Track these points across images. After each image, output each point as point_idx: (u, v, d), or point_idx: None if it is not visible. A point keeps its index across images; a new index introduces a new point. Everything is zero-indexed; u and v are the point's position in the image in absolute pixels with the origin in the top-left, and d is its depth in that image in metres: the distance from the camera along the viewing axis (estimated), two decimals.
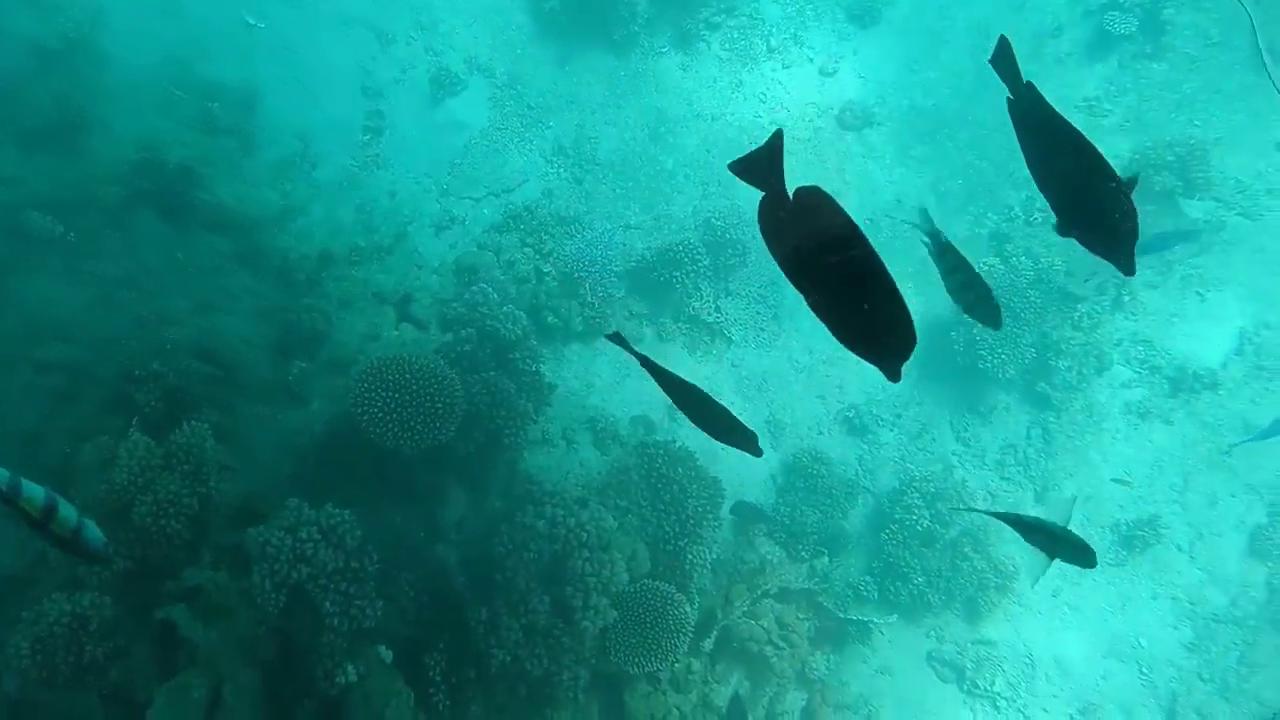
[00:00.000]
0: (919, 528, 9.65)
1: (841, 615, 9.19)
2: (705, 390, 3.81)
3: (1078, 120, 11.43)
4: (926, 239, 4.26)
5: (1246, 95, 11.53)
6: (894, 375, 2.44)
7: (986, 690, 9.71)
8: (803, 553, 9.28)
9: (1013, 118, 2.94)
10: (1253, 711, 9.38)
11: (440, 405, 6.63)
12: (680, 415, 10.51)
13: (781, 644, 8.36)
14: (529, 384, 7.58)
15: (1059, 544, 4.60)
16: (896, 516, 9.78)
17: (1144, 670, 9.75)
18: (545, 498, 6.46)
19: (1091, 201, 2.79)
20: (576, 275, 10.32)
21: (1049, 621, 9.96)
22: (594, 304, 10.34)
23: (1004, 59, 3.09)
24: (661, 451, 8.02)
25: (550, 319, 10.14)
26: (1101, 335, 10.78)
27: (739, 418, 3.70)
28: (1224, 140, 11.43)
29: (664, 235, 11.17)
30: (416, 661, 6.27)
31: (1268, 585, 9.84)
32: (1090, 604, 10.02)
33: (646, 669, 6.77)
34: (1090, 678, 9.78)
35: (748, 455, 3.66)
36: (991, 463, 10.73)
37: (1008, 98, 3.00)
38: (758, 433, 3.84)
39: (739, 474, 10.29)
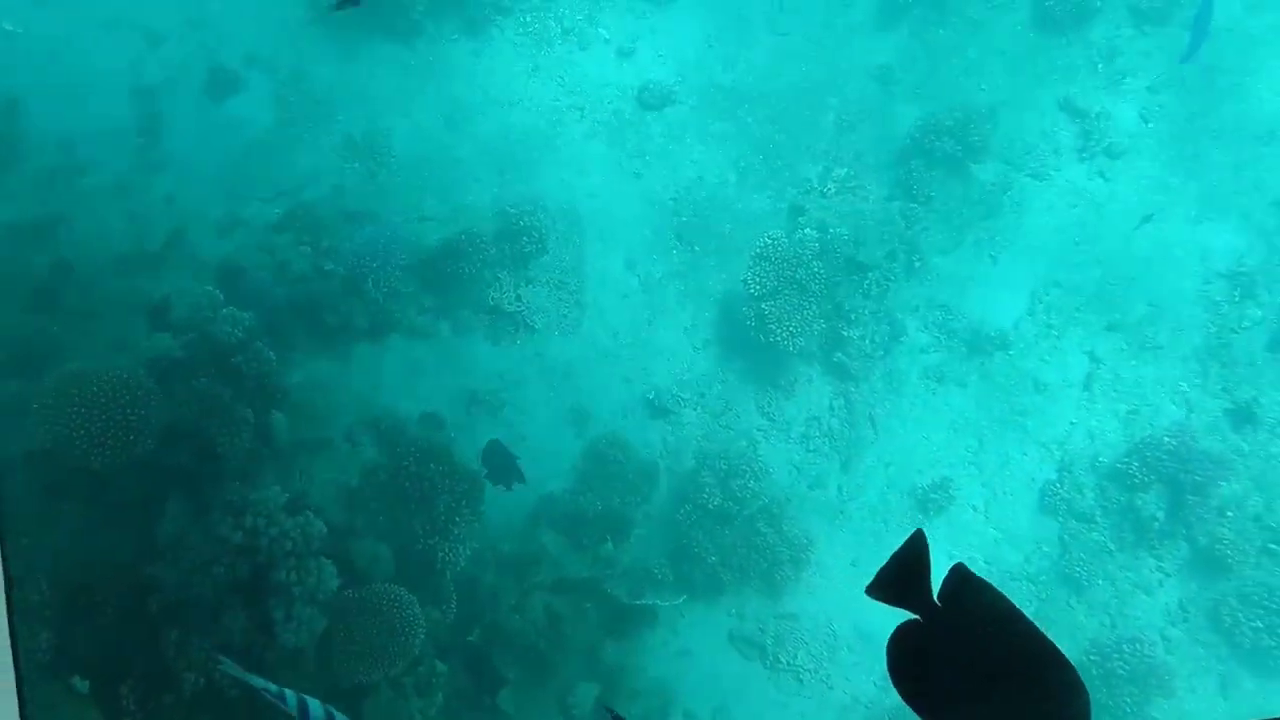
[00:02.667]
0: (711, 506, 9.59)
1: (630, 601, 9.08)
2: None
3: (871, 90, 11.51)
4: None
5: (1029, 57, 11.70)
6: None
7: (789, 665, 9.71)
8: (586, 540, 9.14)
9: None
10: None
11: (134, 417, 6.31)
12: (476, 410, 10.30)
13: (553, 635, 8.22)
14: (253, 388, 7.28)
15: None
16: (690, 496, 9.70)
17: None
18: (246, 506, 6.20)
19: None
20: (360, 272, 10.01)
21: (849, 592, 9.98)
22: (379, 300, 10.05)
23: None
24: (412, 449, 7.80)
25: (330, 318, 9.82)
26: (893, 302, 10.84)
27: None
28: (1010, 102, 11.58)
29: (461, 226, 10.90)
30: (113, 690, 5.97)
31: (1059, 541, 10.00)
32: None
33: (373, 676, 6.57)
34: None
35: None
36: (796, 436, 10.73)
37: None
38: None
39: (541, 466, 10.13)
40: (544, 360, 10.88)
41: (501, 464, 7.75)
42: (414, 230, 10.83)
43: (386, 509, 7.67)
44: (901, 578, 2.07)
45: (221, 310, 7.44)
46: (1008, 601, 2.02)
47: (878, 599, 2.08)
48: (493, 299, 10.80)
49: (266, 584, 6.18)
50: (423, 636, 6.68)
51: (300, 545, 6.21)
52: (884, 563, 2.08)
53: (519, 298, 10.89)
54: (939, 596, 2.04)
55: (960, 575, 2.06)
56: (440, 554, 7.48)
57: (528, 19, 11.99)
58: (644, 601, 9.02)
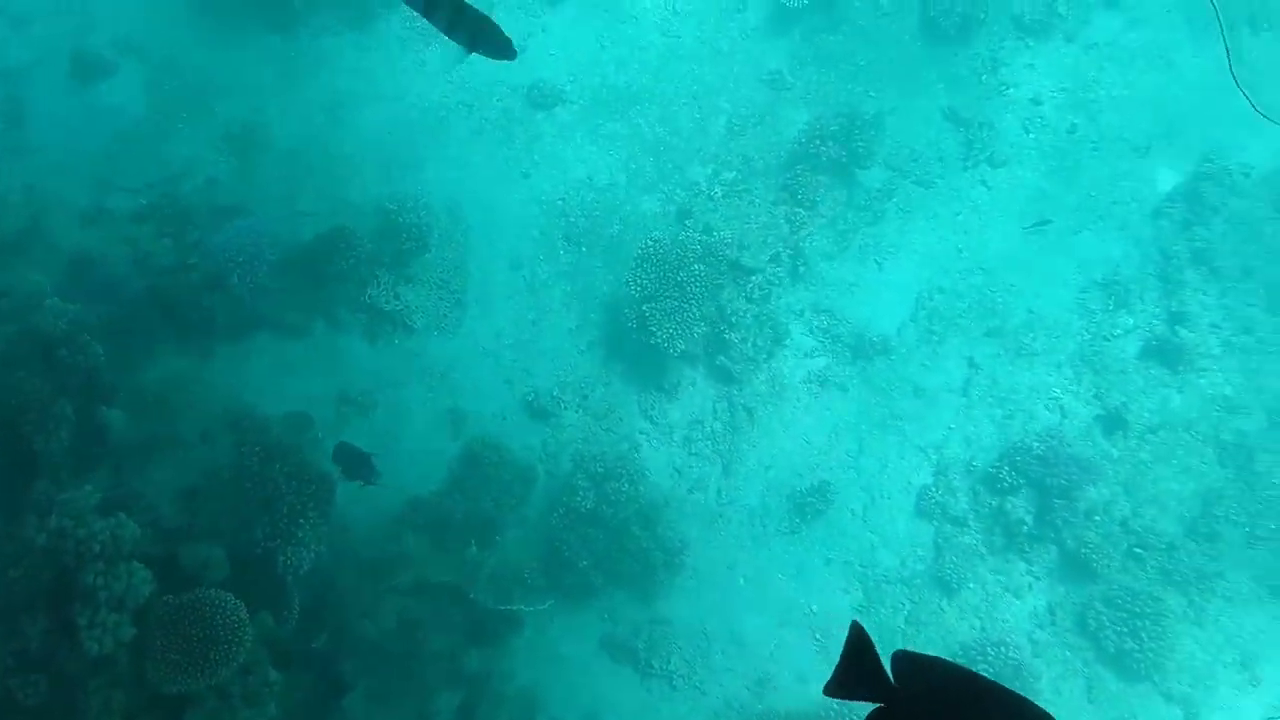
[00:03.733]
0: (584, 509, 9.43)
1: (495, 606, 8.87)
2: None
3: (762, 94, 11.49)
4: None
5: (917, 66, 11.81)
6: None
7: (662, 669, 9.59)
8: (451, 544, 8.91)
9: None
10: None
11: None
12: (347, 410, 9.98)
13: (408, 642, 7.97)
14: (80, 384, 6.93)
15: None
16: (563, 500, 9.53)
17: (817, 636, 9.80)
18: (53, 507, 5.87)
19: None
20: (225, 266, 9.67)
21: (723, 596, 9.90)
22: (245, 296, 9.71)
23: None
24: (256, 449, 7.49)
25: (191, 314, 9.46)
26: (777, 306, 10.82)
27: None
28: (897, 110, 11.66)
29: (338, 222, 10.61)
30: None
31: (934, 544, 10.03)
32: (766, 575, 10.02)
33: (193, 685, 6.26)
34: (765, 648, 9.77)
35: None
36: (679, 439, 10.63)
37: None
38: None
39: (414, 468, 9.89)
40: (422, 361, 10.65)
41: (354, 462, 7.49)
42: (289, 225, 10.53)
43: (227, 511, 7.35)
44: (854, 674, 2.14)
45: (46, 301, 7.07)
46: (961, 670, 2.14)
47: (838, 698, 2.16)
48: (370, 297, 10.54)
49: (71, 588, 5.85)
50: (249, 643, 6.38)
51: (109, 548, 5.89)
52: (836, 665, 2.15)
53: (398, 296, 10.64)
54: (896, 679, 2.11)
55: (906, 659, 2.14)
56: (281, 558, 7.18)
57: (415, 13, 11.73)
58: (510, 607, 8.80)
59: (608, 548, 9.52)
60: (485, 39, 3.66)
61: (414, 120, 11.50)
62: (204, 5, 11.25)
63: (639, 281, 10.21)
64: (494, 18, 11.91)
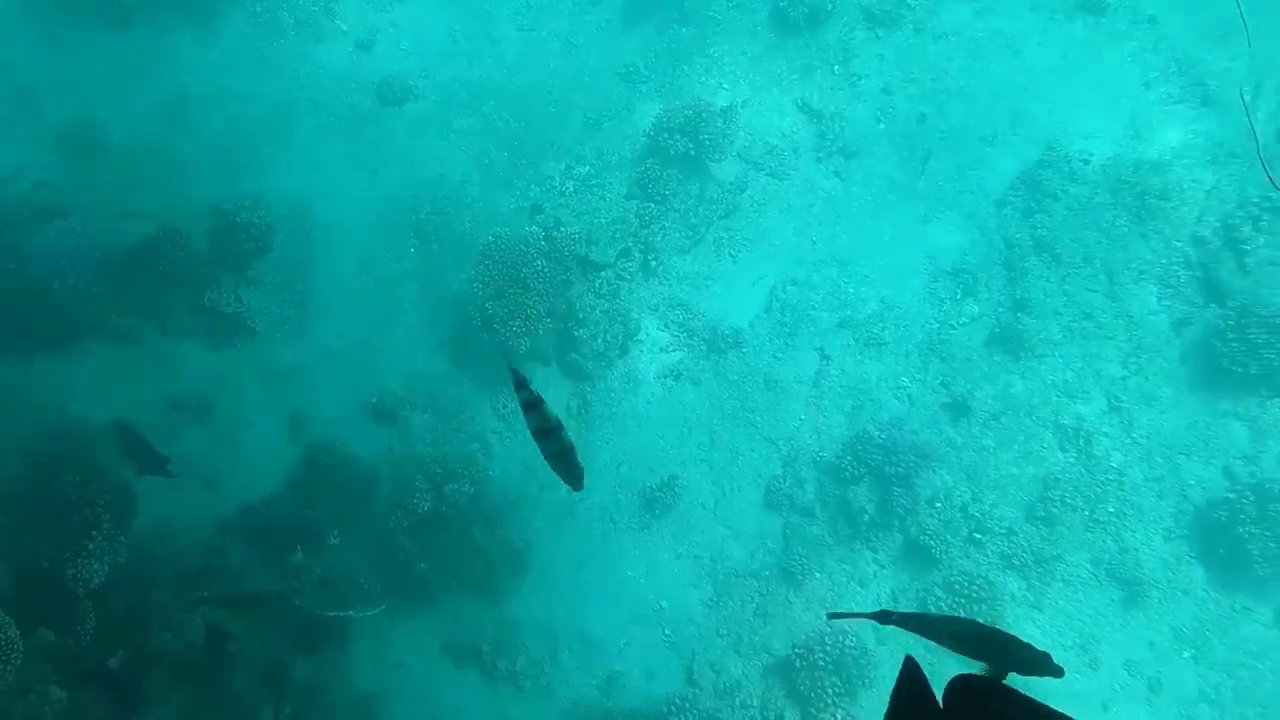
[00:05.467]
0: (422, 511, 9.26)
1: (322, 613, 8.66)
2: None
3: (617, 87, 11.41)
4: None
5: (768, 57, 11.81)
6: None
7: (508, 671, 9.46)
8: (274, 551, 8.68)
9: None
10: (763, 662, 9.54)
11: None
12: (181, 417, 9.68)
13: (220, 654, 7.74)
14: None
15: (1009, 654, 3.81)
16: (401, 502, 9.35)
17: (666, 632, 9.75)
18: None
19: None
20: (45, 272, 9.32)
21: (572, 594, 9.80)
22: (67, 302, 9.37)
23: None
24: (44, 458, 7.20)
25: (5, 322, 9.10)
26: (629, 301, 10.74)
27: None
28: (750, 102, 11.65)
29: (173, 223, 10.29)
30: None
31: (783, 535, 10.03)
32: (616, 572, 9.94)
33: None
34: (614, 646, 9.69)
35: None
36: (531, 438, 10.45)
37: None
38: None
39: (249, 474, 9.65)
40: (264, 364, 10.40)
41: (140, 451, 7.23)
42: (120, 228, 10.19)
43: (15, 525, 7.06)
44: (911, 710, 2.14)
45: None
46: (1019, 696, 2.09)
47: None
48: (209, 300, 10.24)
49: None
50: (19, 663, 6.11)
51: None
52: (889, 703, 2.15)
53: (239, 299, 10.37)
54: (950, 710, 2.09)
55: (961, 687, 2.12)
56: (70, 571, 6.91)
57: (258, 9, 11.49)
58: (340, 613, 8.60)
59: (448, 550, 9.36)
60: (561, 465, 4.10)
61: (257, 118, 11.23)
62: (33, 2, 10.86)
63: (482, 279, 10.05)
64: (339, 13, 11.66)
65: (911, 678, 2.22)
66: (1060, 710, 2.05)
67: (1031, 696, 2.12)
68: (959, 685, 2.11)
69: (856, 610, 3.96)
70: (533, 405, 4.03)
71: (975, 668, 3.42)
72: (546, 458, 4.16)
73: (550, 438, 4.09)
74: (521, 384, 4.13)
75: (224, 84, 11.24)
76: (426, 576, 9.21)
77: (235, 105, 11.21)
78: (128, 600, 7.58)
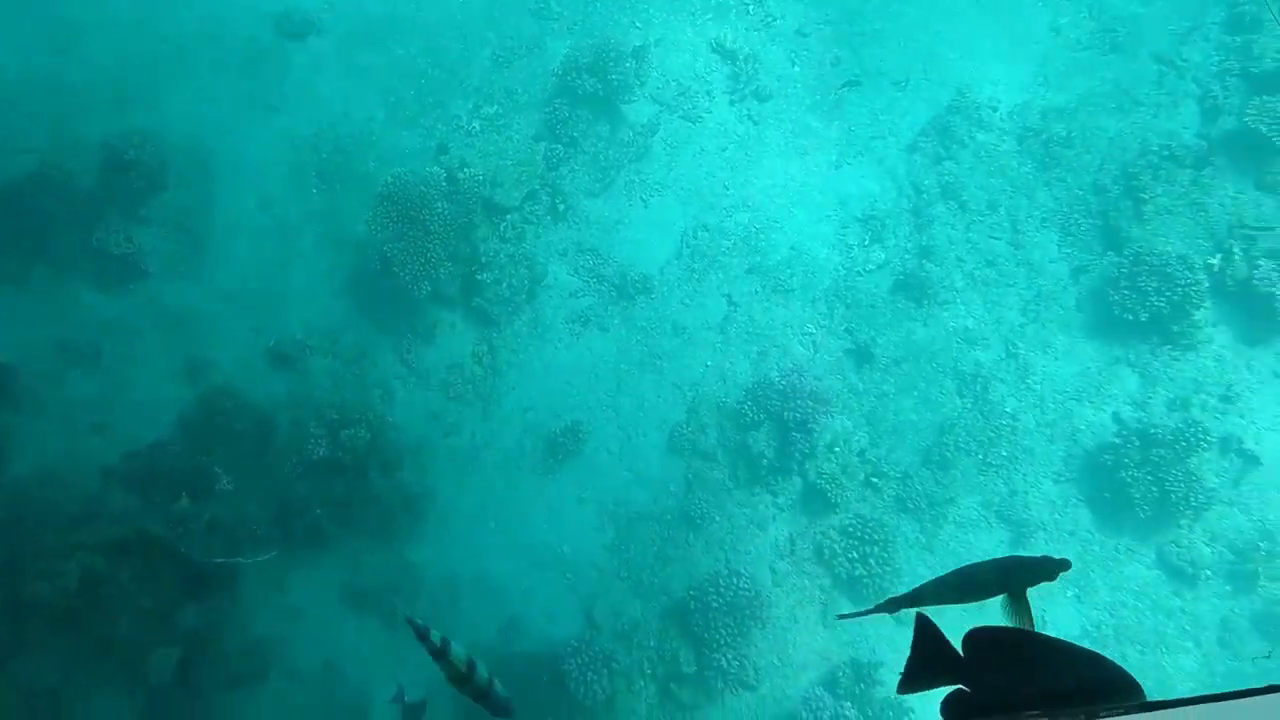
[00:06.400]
0: (317, 457, 9.16)
1: (212, 560, 8.58)
2: None
3: (528, 25, 11.10)
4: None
5: None
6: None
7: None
8: (160, 497, 8.55)
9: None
10: (661, 604, 9.66)
11: None
12: (69, 360, 9.41)
13: (96, 600, 7.65)
14: None
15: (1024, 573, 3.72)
16: (296, 447, 9.24)
17: (568, 576, 9.82)
18: None
19: None
20: None
21: (475, 540, 9.81)
22: None
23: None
24: None
25: None
26: (535, 246, 10.61)
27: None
28: (663, 41, 11.44)
29: (58, 159, 9.91)
30: None
31: (684, 479, 10.09)
32: (519, 517, 9.96)
33: None
34: (516, 590, 9.74)
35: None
36: (437, 384, 10.40)
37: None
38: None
39: (140, 420, 9.46)
40: (158, 306, 10.14)
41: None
42: (3, 163, 9.78)
43: None
44: (929, 665, 2.24)
45: None
46: (1033, 635, 2.26)
47: (918, 690, 2.24)
48: (98, 240, 9.93)
49: None
50: None
51: None
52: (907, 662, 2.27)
53: (130, 239, 10.06)
54: (970, 658, 2.17)
55: (981, 636, 2.18)
56: None
57: None
58: (228, 560, 8.53)
59: (345, 496, 9.29)
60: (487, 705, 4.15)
61: (151, 51, 10.80)
62: None
63: (381, 221, 9.85)
64: None
65: (926, 631, 2.31)
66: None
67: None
68: (978, 633, 2.20)
69: (862, 610, 4.04)
70: (439, 654, 4.02)
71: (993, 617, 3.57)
72: (473, 700, 4.10)
73: (466, 684, 4.10)
74: (423, 634, 4.13)
75: (115, 13, 10.76)
76: (322, 522, 9.15)
77: (127, 36, 10.76)
78: (3, 546, 7.43)
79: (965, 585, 3.82)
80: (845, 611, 4.15)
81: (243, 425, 9.42)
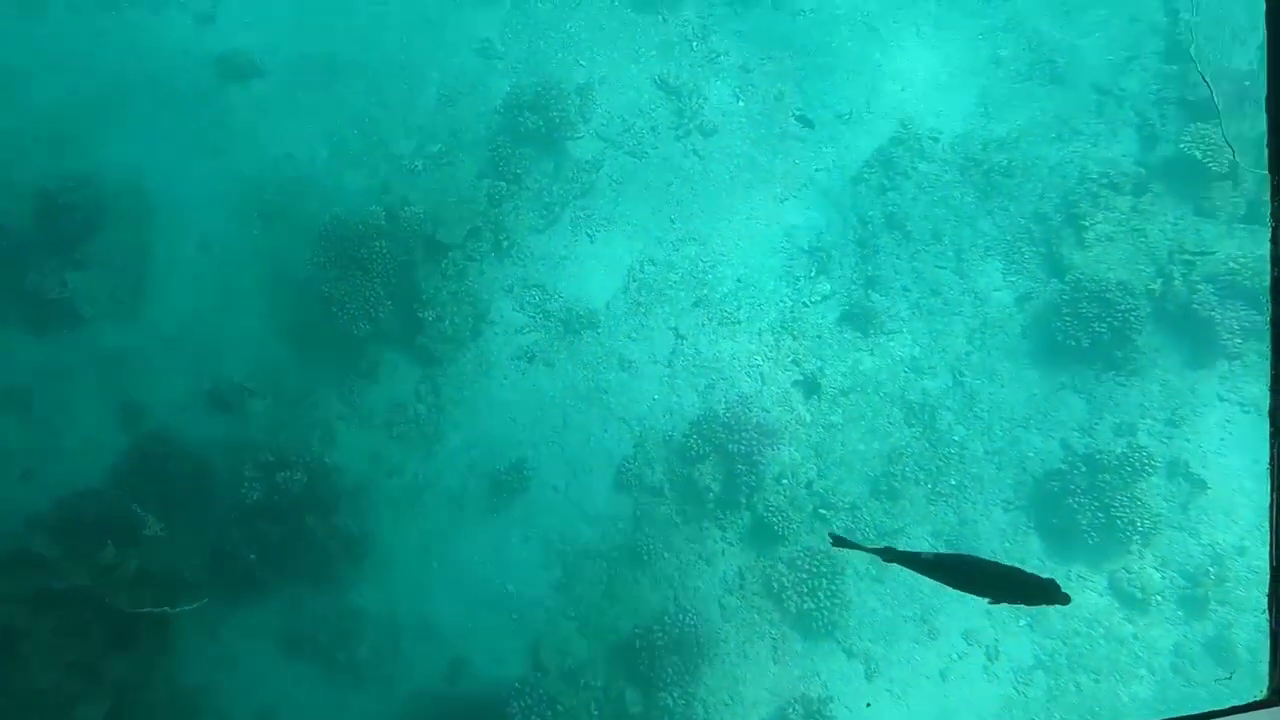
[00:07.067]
0: (251, 501, 8.98)
1: (138, 610, 8.34)
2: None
3: (472, 63, 11.14)
4: None
5: (626, 33, 11.65)
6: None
7: (348, 662, 9.24)
8: (84, 547, 8.33)
9: None
10: (608, 642, 9.46)
11: None
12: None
13: (16, 657, 7.41)
14: None
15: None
16: (230, 491, 9.07)
17: (513, 615, 9.62)
18: None
19: None
20: None
21: (417, 581, 9.63)
22: None
23: None
24: None
25: None
26: (479, 283, 10.54)
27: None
28: (608, 79, 11.49)
29: None
30: None
31: (632, 515, 9.95)
32: (463, 558, 9.78)
33: None
34: (459, 632, 9.53)
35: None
36: (379, 424, 10.26)
37: None
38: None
39: (73, 466, 9.27)
40: (93, 351, 10.00)
41: None
42: None
43: None
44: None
45: None
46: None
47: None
48: (32, 285, 9.80)
49: None
50: None
51: None
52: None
53: (64, 284, 9.94)
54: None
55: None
56: None
57: None
58: (155, 609, 8.30)
59: (280, 540, 9.10)
60: None
61: (89, 95, 10.76)
62: None
63: (320, 261, 9.77)
64: None
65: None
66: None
67: None
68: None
69: (861, 545, 4.30)
70: None
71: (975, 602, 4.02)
72: None
73: None
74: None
75: (53, 58, 10.73)
76: (256, 567, 8.94)
77: (65, 80, 10.74)
78: None
79: (960, 572, 4.03)
80: (842, 536, 4.11)
81: (177, 470, 9.24)
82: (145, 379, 9.96)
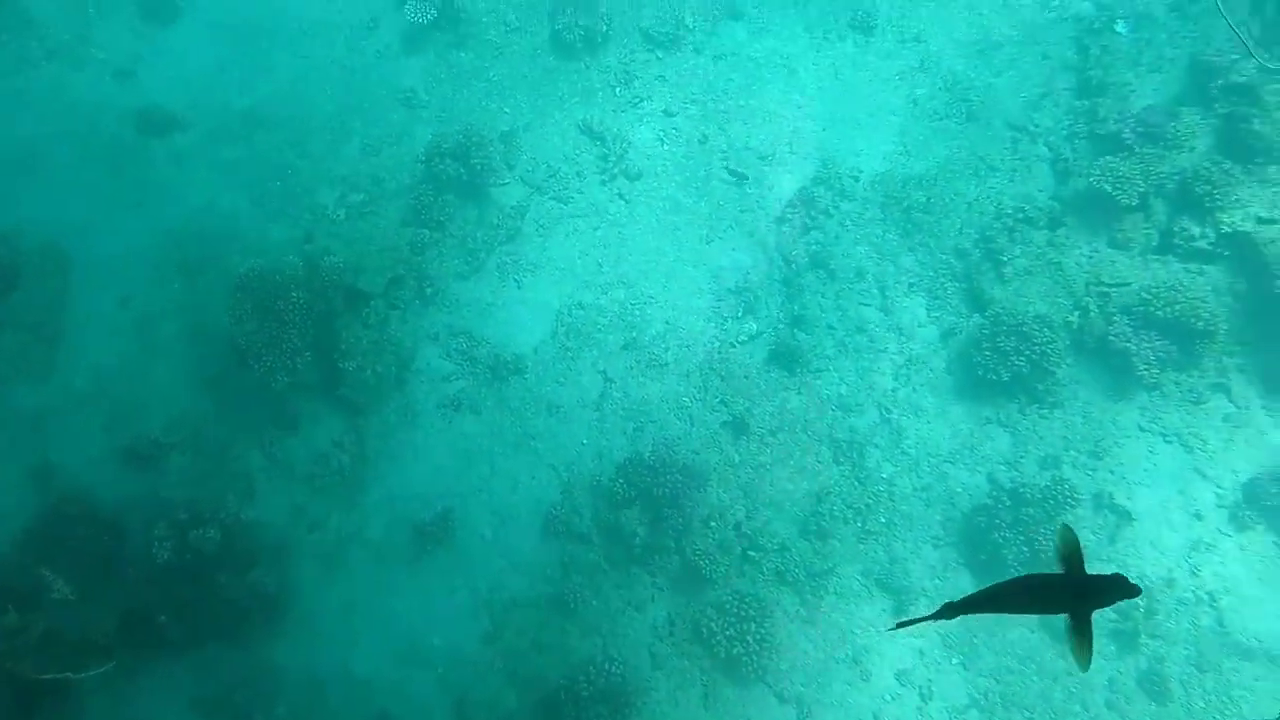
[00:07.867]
0: (160, 560, 8.77)
1: (42, 676, 8.07)
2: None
3: (396, 114, 11.16)
4: None
5: (549, 80, 11.74)
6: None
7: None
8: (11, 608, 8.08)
9: None
10: (536, 694, 9.26)
11: None
12: None
13: None
14: None
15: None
16: (141, 551, 8.85)
17: (439, 668, 9.42)
18: None
19: None
20: None
21: (338, 637, 9.41)
22: None
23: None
24: None
25: None
26: (401, 331, 10.47)
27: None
28: (532, 125, 11.55)
29: None
30: None
31: (561, 564, 9.81)
32: (386, 612, 9.57)
33: None
34: (384, 687, 9.30)
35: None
36: (301, 476, 10.09)
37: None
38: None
39: None
40: (4, 412, 9.77)
41: None
42: None
43: None
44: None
45: None
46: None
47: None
48: None
49: None
50: None
51: None
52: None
53: None
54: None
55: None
56: None
57: (4, 38, 10.91)
58: (59, 675, 8.03)
59: (193, 599, 8.87)
60: None
61: (8, 151, 10.65)
62: None
63: (237, 313, 9.66)
64: (94, 40, 11.12)
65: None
66: None
67: None
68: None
69: (920, 616, 3.74)
70: None
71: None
72: None
73: None
74: None
75: None
76: (168, 628, 8.70)
77: None
78: None
79: (1027, 596, 3.76)
80: (902, 620, 3.91)
81: (88, 531, 9.03)
82: (58, 438, 9.77)
